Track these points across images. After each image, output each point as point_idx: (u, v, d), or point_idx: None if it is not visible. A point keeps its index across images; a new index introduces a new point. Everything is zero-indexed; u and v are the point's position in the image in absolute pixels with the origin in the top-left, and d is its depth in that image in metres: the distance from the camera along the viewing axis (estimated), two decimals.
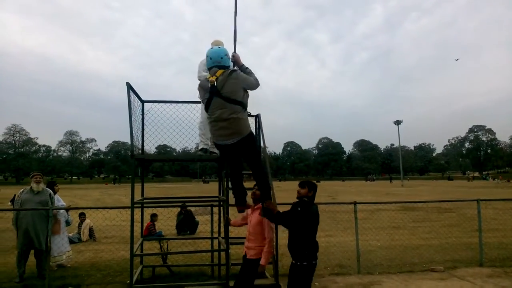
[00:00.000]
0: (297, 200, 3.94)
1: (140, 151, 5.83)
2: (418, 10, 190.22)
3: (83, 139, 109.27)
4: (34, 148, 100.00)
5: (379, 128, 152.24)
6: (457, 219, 12.84)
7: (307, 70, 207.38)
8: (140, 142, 5.93)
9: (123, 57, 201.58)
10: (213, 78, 3.82)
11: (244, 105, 3.88)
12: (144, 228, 6.86)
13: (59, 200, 7.09)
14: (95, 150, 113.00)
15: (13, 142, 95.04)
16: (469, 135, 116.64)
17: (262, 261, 4.03)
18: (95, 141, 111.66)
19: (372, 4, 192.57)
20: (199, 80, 5.05)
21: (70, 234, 9.08)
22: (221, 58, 3.90)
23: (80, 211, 10.52)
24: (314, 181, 4.19)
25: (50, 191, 6.52)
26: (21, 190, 6.44)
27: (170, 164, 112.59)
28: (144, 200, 6.09)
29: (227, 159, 4.29)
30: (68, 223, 7.29)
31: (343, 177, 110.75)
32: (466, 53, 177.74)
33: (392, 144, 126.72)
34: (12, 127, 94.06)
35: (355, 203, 6.80)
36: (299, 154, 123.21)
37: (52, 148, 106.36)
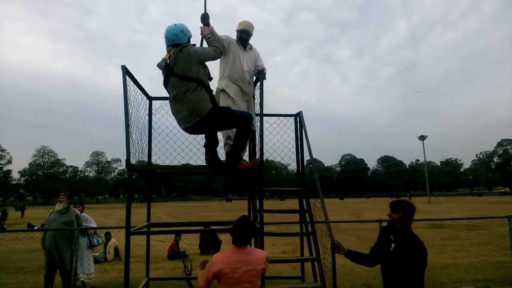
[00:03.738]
0: (386, 225, 3.24)
1: (143, 162, 4.97)
2: (442, 23, 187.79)
3: (109, 159, 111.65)
4: (62, 169, 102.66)
5: (404, 144, 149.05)
6: (488, 236, 12.37)
7: (330, 86, 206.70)
8: (143, 151, 4.94)
9: (149, 77, 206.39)
10: (167, 57, 3.78)
11: (200, 82, 3.74)
12: (168, 247, 6.87)
13: (90, 221, 7.20)
14: (120, 170, 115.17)
15: (42, 163, 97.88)
16: (498, 149, 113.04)
17: None
18: (120, 161, 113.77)
19: (395, 19, 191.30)
20: None
21: (96, 254, 9.21)
22: (176, 35, 3.85)
23: (105, 230, 10.68)
24: (406, 200, 3.34)
25: (77, 211, 6.62)
26: (51, 210, 6.58)
27: (193, 182, 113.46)
28: (150, 226, 5.39)
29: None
30: (97, 243, 7.31)
31: (367, 194, 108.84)
32: (493, 65, 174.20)
33: (418, 160, 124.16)
34: (41, 148, 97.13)
35: (380, 221, 6.66)
36: (321, 171, 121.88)
37: (79, 169, 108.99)
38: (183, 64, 3.72)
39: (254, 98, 5.00)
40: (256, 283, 2.83)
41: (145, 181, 5.76)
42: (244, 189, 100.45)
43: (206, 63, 3.96)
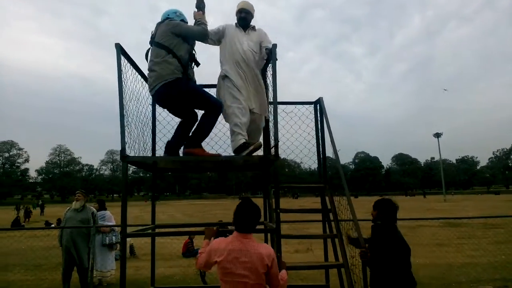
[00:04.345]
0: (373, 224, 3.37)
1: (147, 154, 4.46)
2: (457, 18, 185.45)
3: None
4: (77, 167, 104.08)
5: (418, 141, 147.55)
6: (506, 235, 12.15)
7: (342, 83, 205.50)
8: (146, 145, 4.49)
9: None
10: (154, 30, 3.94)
11: (170, 50, 3.74)
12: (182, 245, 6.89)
13: (108, 219, 7.30)
14: (134, 168, 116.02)
15: (58, 162, 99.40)
16: None
17: None
18: None
19: (409, 14, 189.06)
20: None
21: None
22: (168, 15, 4.00)
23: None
24: (386, 198, 3.44)
25: (93, 209, 6.72)
26: (67, 208, 6.68)
27: (206, 180, 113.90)
28: (156, 227, 4.91)
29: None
30: (109, 241, 7.32)
31: (381, 192, 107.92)
32: (509, 60, 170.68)
33: (433, 158, 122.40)
34: (57, 147, 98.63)
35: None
36: (335, 169, 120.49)
37: (95, 167, 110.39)
38: (161, 32, 3.85)
39: (267, 89, 4.48)
40: (254, 279, 2.50)
41: (153, 178, 5.28)
42: (257, 187, 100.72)
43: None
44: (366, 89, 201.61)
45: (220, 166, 4.49)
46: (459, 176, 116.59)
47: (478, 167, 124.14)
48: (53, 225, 15.58)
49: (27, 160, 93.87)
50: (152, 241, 4.98)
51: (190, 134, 3.95)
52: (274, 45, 3.96)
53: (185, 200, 78.97)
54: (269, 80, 4.28)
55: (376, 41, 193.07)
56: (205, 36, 4.07)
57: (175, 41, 3.81)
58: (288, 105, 5.03)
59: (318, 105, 5.03)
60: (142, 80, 4.44)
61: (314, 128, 5.16)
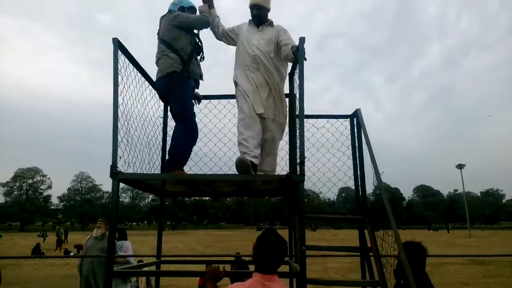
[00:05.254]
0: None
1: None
2: (478, 46, 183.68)
3: None
4: (98, 194, 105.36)
5: (440, 172, 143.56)
6: None
7: (362, 112, 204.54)
8: (153, 163, 3.94)
9: None
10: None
11: (170, 46, 3.66)
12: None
13: (126, 249, 7.28)
14: (153, 196, 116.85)
15: (80, 189, 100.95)
16: None
17: None
18: None
19: (428, 43, 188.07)
20: None
21: (130, 282, 9.28)
22: (169, 9, 3.93)
23: (138, 258, 10.79)
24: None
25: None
26: (88, 236, 6.67)
27: (224, 209, 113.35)
28: (161, 263, 4.45)
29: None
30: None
31: (403, 226, 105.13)
32: None
33: (456, 190, 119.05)
34: (79, 174, 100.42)
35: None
36: (355, 200, 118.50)
37: None
38: (163, 27, 3.80)
39: (292, 97, 3.87)
40: None
41: (160, 203, 4.74)
42: (276, 216, 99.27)
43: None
44: (386, 118, 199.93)
45: (235, 189, 3.98)
46: (484, 210, 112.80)
47: (503, 201, 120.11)
48: (72, 253, 15.71)
49: (49, 187, 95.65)
50: (156, 281, 4.51)
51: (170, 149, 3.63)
52: (301, 40, 3.28)
53: (202, 230, 78.52)
54: (296, 84, 3.60)
55: (396, 69, 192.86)
56: (205, 24, 3.88)
57: (175, 33, 3.71)
58: (317, 120, 4.22)
59: (355, 118, 4.17)
60: (150, 87, 4.07)
61: (339, 149, 4.27)
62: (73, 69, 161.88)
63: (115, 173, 3.08)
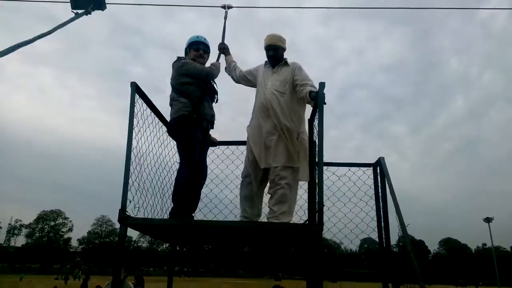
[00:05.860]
0: None
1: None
2: (503, 99, 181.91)
3: None
4: (117, 239, 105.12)
5: (467, 226, 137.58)
6: None
7: (386, 162, 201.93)
8: (167, 209, 3.77)
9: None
10: None
11: (179, 90, 3.70)
12: None
13: None
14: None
15: (100, 232, 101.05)
16: None
17: None
18: None
19: (452, 95, 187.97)
20: None
21: None
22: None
23: None
24: None
25: (131, 285, 6.57)
26: (106, 283, 6.58)
27: (242, 255, 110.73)
28: None
29: None
30: None
31: (429, 283, 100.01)
32: None
33: (484, 244, 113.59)
34: (100, 217, 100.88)
35: None
36: (378, 252, 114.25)
37: (133, 239, 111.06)
38: (172, 73, 3.85)
39: (313, 145, 3.59)
40: None
41: (171, 249, 4.73)
42: (293, 267, 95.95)
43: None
44: (411, 168, 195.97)
45: (247, 238, 3.85)
46: None
47: None
48: None
49: (70, 230, 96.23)
50: None
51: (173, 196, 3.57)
52: (321, 85, 3.10)
53: (218, 278, 76.49)
54: (315, 130, 3.39)
55: (419, 120, 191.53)
56: (211, 76, 3.83)
57: (183, 79, 3.73)
58: (338, 168, 4.10)
59: (379, 167, 3.98)
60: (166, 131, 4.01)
61: (361, 199, 4.09)
62: (103, 117, 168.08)
63: (123, 218, 2.95)
